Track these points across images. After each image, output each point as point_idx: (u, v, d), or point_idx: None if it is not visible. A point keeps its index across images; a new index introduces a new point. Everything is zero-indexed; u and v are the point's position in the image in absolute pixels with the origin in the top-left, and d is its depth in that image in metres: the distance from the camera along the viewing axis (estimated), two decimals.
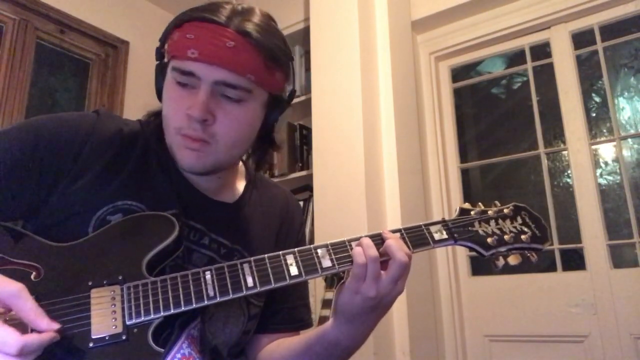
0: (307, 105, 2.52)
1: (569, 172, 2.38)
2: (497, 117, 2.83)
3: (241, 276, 0.84)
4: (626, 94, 2.38)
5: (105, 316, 0.77)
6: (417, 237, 0.92)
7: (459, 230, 0.94)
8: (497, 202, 1.01)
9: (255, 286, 0.83)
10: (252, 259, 0.86)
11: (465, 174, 2.69)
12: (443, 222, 0.95)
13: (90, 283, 0.79)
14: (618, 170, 2.28)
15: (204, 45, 0.84)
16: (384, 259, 0.85)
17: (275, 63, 0.90)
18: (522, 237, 0.95)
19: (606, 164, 2.35)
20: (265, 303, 1.05)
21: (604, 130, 2.35)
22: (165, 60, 0.93)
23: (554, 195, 2.38)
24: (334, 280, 1.71)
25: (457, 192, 2.61)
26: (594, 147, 2.32)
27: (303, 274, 0.85)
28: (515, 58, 2.66)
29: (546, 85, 2.48)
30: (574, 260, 2.28)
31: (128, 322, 0.77)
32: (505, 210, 0.99)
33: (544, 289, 2.27)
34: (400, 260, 0.84)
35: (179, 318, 0.84)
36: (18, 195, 0.85)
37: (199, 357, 0.84)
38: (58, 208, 0.87)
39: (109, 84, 3.02)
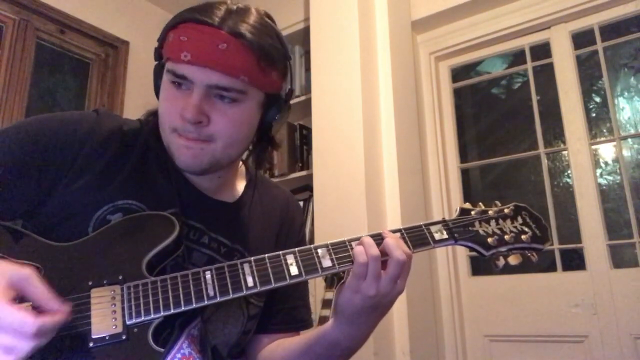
0: (307, 105, 2.52)
1: (569, 172, 2.38)
2: (497, 117, 2.83)
3: (241, 276, 0.84)
4: (626, 94, 2.38)
5: (105, 316, 0.77)
6: (417, 237, 0.92)
7: (459, 230, 0.94)
8: (497, 202, 1.01)
9: (255, 286, 0.83)
10: (252, 258, 0.86)
11: (465, 174, 2.69)
12: (443, 222, 0.95)
13: (90, 283, 0.79)
14: (618, 170, 2.28)
15: (196, 48, 0.84)
16: (384, 259, 0.85)
17: (270, 63, 0.89)
18: (523, 237, 0.95)
19: (606, 164, 2.35)
20: (266, 303, 1.05)
21: (604, 130, 2.35)
22: (162, 61, 0.94)
23: (554, 195, 2.38)
24: (334, 280, 1.71)
25: (457, 192, 2.61)
26: (594, 147, 2.32)
27: (303, 273, 0.85)
28: (515, 58, 2.66)
29: (546, 85, 2.48)
30: (574, 260, 2.28)
31: (128, 322, 0.77)
32: (506, 210, 0.99)
33: (544, 289, 2.27)
34: (398, 258, 0.84)
35: (179, 318, 0.84)
36: (18, 195, 0.86)
37: (199, 357, 0.84)
38: (58, 208, 0.87)
39: (109, 84, 3.02)
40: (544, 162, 2.42)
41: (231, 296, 0.82)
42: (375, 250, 0.85)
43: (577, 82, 2.37)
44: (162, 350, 0.78)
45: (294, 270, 0.85)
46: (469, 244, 0.94)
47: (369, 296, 0.84)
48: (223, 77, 0.85)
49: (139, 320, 0.78)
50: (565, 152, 2.39)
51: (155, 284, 0.80)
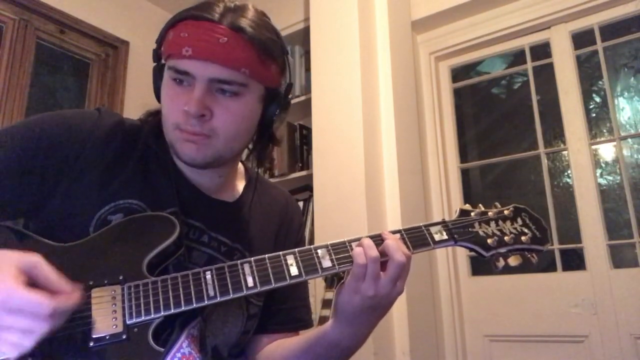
0: (307, 105, 2.52)
1: (569, 172, 2.38)
2: (497, 117, 2.83)
3: (241, 276, 0.84)
4: (626, 94, 2.38)
5: (105, 316, 0.77)
6: (417, 238, 0.92)
7: (459, 231, 0.95)
8: (497, 203, 1.02)
9: (255, 286, 0.83)
10: (252, 259, 0.86)
11: (465, 174, 2.69)
12: (443, 223, 0.95)
13: (91, 282, 0.79)
14: (618, 170, 2.28)
15: (197, 43, 0.85)
16: (384, 260, 0.86)
17: (270, 56, 0.91)
18: (522, 238, 0.95)
19: (606, 164, 2.36)
20: (265, 303, 1.05)
21: (604, 131, 2.35)
22: (162, 61, 0.94)
23: (554, 196, 2.38)
24: (334, 281, 1.71)
25: (457, 192, 2.61)
26: (594, 147, 2.32)
27: (303, 274, 0.86)
28: (515, 58, 2.67)
29: (546, 85, 2.48)
30: (574, 260, 2.28)
31: (128, 322, 0.78)
32: (506, 212, 0.99)
33: (544, 289, 2.27)
34: (398, 260, 0.85)
35: (179, 317, 0.84)
36: (20, 194, 0.86)
37: (199, 357, 0.84)
38: (59, 207, 0.87)
39: (109, 84, 3.02)
40: (544, 162, 2.43)
41: (231, 296, 0.82)
42: (374, 252, 0.85)
43: (577, 82, 2.37)
44: (162, 350, 0.78)
45: (294, 271, 0.86)
46: (469, 245, 0.94)
47: (368, 297, 0.85)
48: (224, 71, 0.86)
49: (139, 320, 0.78)
50: (565, 152, 2.39)
51: (155, 284, 0.81)
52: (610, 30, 2.37)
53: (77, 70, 2.99)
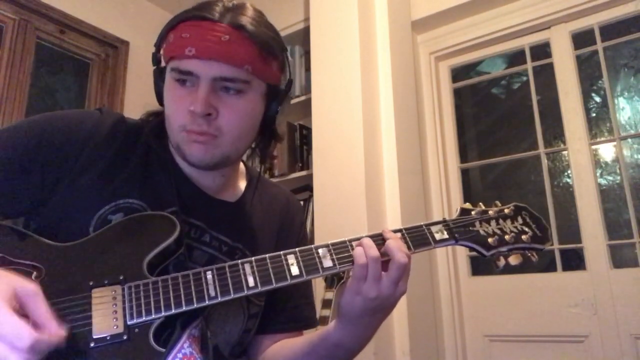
0: (307, 105, 2.52)
1: (569, 172, 2.38)
2: (497, 117, 2.83)
3: (242, 276, 0.84)
4: (626, 94, 2.38)
5: (106, 316, 0.77)
6: (418, 237, 0.92)
7: (459, 230, 0.95)
8: (497, 202, 1.01)
9: (256, 286, 0.83)
10: (253, 258, 0.86)
11: (465, 174, 2.69)
12: (444, 222, 0.95)
13: (91, 283, 0.79)
14: (618, 171, 2.28)
15: (199, 42, 0.85)
16: (385, 259, 0.85)
17: (271, 53, 0.91)
18: (523, 237, 0.95)
19: (606, 164, 2.36)
20: (269, 303, 1.05)
21: (604, 130, 2.35)
22: (163, 63, 0.94)
23: (554, 195, 2.38)
24: (334, 281, 1.71)
25: (457, 192, 2.61)
26: (594, 147, 2.32)
27: (304, 273, 0.85)
28: (515, 58, 2.66)
29: (546, 85, 2.48)
30: (574, 260, 2.28)
31: (129, 322, 0.77)
32: (506, 210, 0.99)
33: (544, 289, 2.27)
34: (399, 261, 0.84)
35: (180, 318, 0.84)
36: (21, 193, 0.86)
37: (200, 357, 0.84)
38: (60, 206, 0.87)
39: (109, 84, 3.02)
40: (544, 162, 2.43)
41: (232, 296, 0.82)
42: (374, 252, 0.85)
43: (577, 82, 2.37)
44: (163, 350, 0.78)
45: (294, 271, 0.85)
46: (470, 244, 0.94)
47: (370, 298, 0.85)
48: (228, 68, 0.86)
49: (140, 320, 0.78)
50: (565, 152, 2.39)
51: (156, 284, 0.81)
52: (610, 30, 2.37)
53: (77, 70, 2.99)
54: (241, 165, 1.11)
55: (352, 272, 0.86)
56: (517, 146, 2.60)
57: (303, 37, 2.80)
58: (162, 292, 0.80)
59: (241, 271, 0.84)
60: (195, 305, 0.80)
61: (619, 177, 2.27)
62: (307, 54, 2.75)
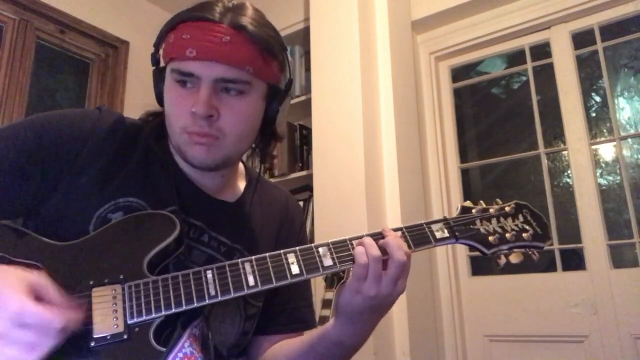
0: (307, 105, 2.52)
1: (569, 172, 2.38)
2: (497, 117, 2.83)
3: (242, 275, 0.84)
4: (626, 94, 2.38)
5: (106, 315, 0.77)
6: (418, 236, 0.92)
7: (460, 228, 0.94)
8: (498, 200, 1.01)
9: (256, 285, 0.83)
10: (253, 257, 0.86)
11: (465, 174, 2.69)
12: (444, 221, 0.95)
13: (91, 282, 0.79)
14: (618, 170, 2.28)
15: (200, 43, 0.85)
16: (384, 258, 0.85)
17: (271, 53, 0.91)
18: (524, 235, 0.95)
19: (606, 164, 2.36)
20: (268, 304, 1.05)
21: (604, 130, 2.35)
22: (163, 64, 0.94)
23: (554, 195, 2.38)
24: (334, 280, 1.71)
25: (457, 192, 2.61)
26: (594, 147, 2.32)
27: (304, 272, 0.85)
28: (515, 58, 2.66)
29: (546, 85, 2.48)
30: (574, 260, 2.28)
31: (129, 321, 0.77)
32: (507, 209, 0.99)
33: (543, 289, 2.27)
34: (399, 259, 0.84)
35: (180, 317, 0.84)
36: (20, 192, 0.86)
37: (201, 356, 0.84)
38: (59, 206, 0.87)
39: (109, 84, 3.02)
40: (544, 162, 2.42)
41: (232, 295, 0.82)
42: (376, 251, 0.85)
43: (577, 82, 2.37)
44: (164, 349, 0.78)
45: (295, 269, 0.85)
46: (470, 243, 0.94)
47: (370, 297, 0.85)
48: (229, 70, 0.86)
49: (140, 319, 0.78)
50: (565, 152, 2.39)
51: (156, 283, 0.80)
52: (610, 30, 2.37)
53: (77, 70, 2.99)
54: (240, 165, 1.10)
55: (352, 271, 0.86)
56: (517, 146, 2.60)
57: (303, 37, 2.80)
58: (162, 291, 0.80)
59: (241, 270, 0.84)
60: (195, 304, 0.80)
61: (619, 177, 2.27)
62: (307, 54, 2.75)
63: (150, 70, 0.97)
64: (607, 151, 2.35)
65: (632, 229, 2.15)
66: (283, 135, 1.09)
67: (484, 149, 2.75)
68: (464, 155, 2.69)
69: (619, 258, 2.18)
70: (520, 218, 0.98)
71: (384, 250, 0.86)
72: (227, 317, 0.96)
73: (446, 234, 0.93)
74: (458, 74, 2.81)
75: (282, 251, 0.87)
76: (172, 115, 0.91)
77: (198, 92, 0.87)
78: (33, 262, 0.78)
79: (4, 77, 2.56)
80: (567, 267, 2.28)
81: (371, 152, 2.24)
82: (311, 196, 2.48)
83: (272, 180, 2.61)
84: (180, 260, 0.89)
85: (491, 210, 0.98)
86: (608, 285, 2.12)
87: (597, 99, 2.44)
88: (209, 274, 0.83)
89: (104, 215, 0.87)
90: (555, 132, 2.44)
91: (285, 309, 1.09)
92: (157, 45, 0.95)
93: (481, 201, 1.00)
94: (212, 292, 0.81)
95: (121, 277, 0.80)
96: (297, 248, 0.87)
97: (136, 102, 3.01)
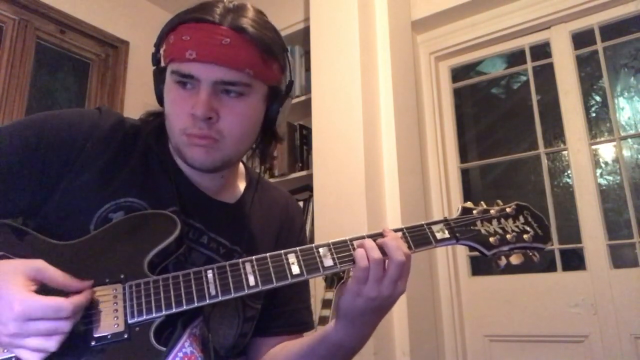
0: (307, 105, 2.52)
1: (569, 172, 2.38)
2: (497, 117, 2.83)
3: (243, 275, 0.84)
4: (626, 94, 2.38)
5: (107, 314, 0.77)
6: (419, 237, 0.92)
7: (461, 229, 0.94)
8: (499, 201, 1.01)
9: (257, 285, 0.83)
10: (253, 257, 0.86)
11: (465, 174, 2.69)
12: (445, 221, 0.95)
13: (92, 282, 0.79)
14: (618, 170, 2.28)
15: (200, 45, 0.85)
16: (384, 258, 0.85)
17: (272, 55, 0.91)
18: (525, 236, 0.95)
19: (606, 164, 2.36)
20: (267, 306, 1.05)
21: (604, 131, 2.35)
22: (163, 64, 0.94)
23: (554, 195, 2.38)
24: (334, 281, 1.71)
25: (457, 192, 2.61)
26: (594, 147, 2.32)
27: (305, 272, 0.85)
28: (515, 58, 2.67)
29: (546, 85, 2.49)
30: (574, 260, 2.28)
31: (130, 321, 0.77)
32: (508, 210, 0.99)
33: (544, 289, 2.27)
34: (398, 260, 0.84)
35: (181, 317, 0.84)
36: (20, 192, 0.86)
37: (201, 356, 0.84)
38: (60, 205, 0.87)
39: (109, 84, 3.02)
40: (544, 162, 2.43)
41: (233, 295, 0.82)
42: (377, 253, 0.84)
43: (577, 82, 2.37)
44: (164, 349, 0.78)
45: (295, 270, 0.85)
46: (471, 244, 0.94)
47: (371, 298, 0.85)
48: (229, 72, 0.86)
49: (140, 319, 0.78)
50: (565, 152, 2.39)
51: (157, 283, 0.81)
52: (610, 30, 2.37)
53: (77, 70, 2.99)
54: (241, 166, 1.10)
55: (352, 274, 0.86)
56: (517, 146, 2.60)
57: (303, 37, 2.80)
58: (162, 290, 0.80)
59: (242, 270, 0.84)
60: (195, 304, 0.80)
61: (619, 177, 2.27)
62: (307, 54, 2.75)
63: (150, 70, 0.97)
64: (607, 151, 2.35)
65: (632, 229, 2.15)
66: (283, 136, 1.08)
67: (484, 149, 2.75)
68: (464, 155, 2.69)
69: (619, 258, 2.18)
70: (521, 219, 0.98)
71: (383, 251, 0.86)
72: (225, 319, 0.96)
73: (447, 235, 0.93)
74: (458, 74, 2.81)
75: (282, 251, 0.87)
76: (171, 116, 0.91)
77: (198, 93, 0.86)
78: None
79: (4, 77, 2.56)
80: (567, 267, 2.28)
81: (371, 152, 2.24)
82: (311, 196, 2.48)
83: (272, 180, 2.61)
84: (179, 261, 0.89)
85: (492, 212, 0.98)
86: (608, 285, 2.12)
87: (597, 99, 2.44)
88: (210, 274, 0.83)
89: (104, 215, 0.87)
90: (555, 132, 2.44)
91: (284, 311, 1.09)
92: (157, 46, 0.95)
93: (482, 202, 1.00)
94: (213, 292, 0.81)
95: (122, 276, 0.80)
96: (297, 248, 0.87)
97: (136, 102, 3.01)
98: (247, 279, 0.83)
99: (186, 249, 0.92)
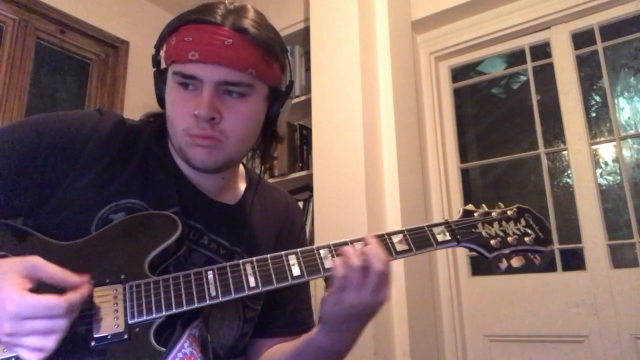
0: (307, 105, 2.52)
1: (569, 172, 2.38)
2: (497, 117, 2.83)
3: (243, 276, 0.84)
4: (626, 94, 2.38)
5: (107, 315, 0.77)
6: (420, 239, 0.92)
7: (462, 231, 0.94)
8: (500, 203, 1.01)
9: (257, 286, 0.83)
10: (254, 259, 0.86)
11: (465, 174, 2.69)
12: (446, 224, 0.94)
13: (92, 282, 0.79)
14: (618, 171, 2.28)
15: (203, 46, 0.85)
16: (364, 266, 0.83)
17: (273, 55, 0.92)
18: (526, 239, 0.95)
19: (606, 164, 2.36)
20: (267, 307, 1.05)
21: (604, 130, 2.35)
22: (164, 66, 0.94)
23: (554, 195, 2.38)
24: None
25: (457, 192, 2.61)
26: (594, 147, 2.32)
27: (305, 274, 0.85)
28: (515, 58, 2.66)
29: (546, 85, 2.48)
30: (574, 260, 2.28)
31: (130, 321, 0.78)
32: (509, 212, 0.99)
33: (544, 289, 2.27)
34: (377, 269, 0.82)
35: (180, 317, 0.84)
36: (21, 193, 0.86)
37: (200, 357, 0.84)
38: (60, 206, 0.87)
39: (109, 84, 3.02)
40: (544, 162, 2.43)
41: (233, 296, 0.82)
42: (355, 262, 0.82)
43: (577, 82, 2.37)
44: (164, 349, 0.78)
45: (296, 271, 0.85)
46: (472, 246, 0.93)
47: (352, 306, 0.83)
48: (231, 72, 0.87)
49: (140, 319, 0.78)
50: (565, 152, 2.39)
51: (157, 284, 0.81)
52: (610, 30, 2.37)
53: (77, 70, 2.99)
54: (241, 167, 1.11)
55: (333, 283, 0.84)
56: (517, 146, 2.60)
57: (303, 37, 2.80)
58: (163, 291, 0.80)
59: (242, 271, 0.84)
60: (196, 305, 0.80)
61: (619, 177, 2.27)
62: (307, 54, 2.75)
63: (150, 71, 0.97)
64: (607, 151, 2.35)
65: (632, 229, 2.15)
66: (284, 136, 1.09)
67: (484, 149, 2.75)
68: (464, 155, 2.69)
69: (619, 258, 2.18)
70: (522, 222, 0.98)
71: (363, 259, 0.83)
72: (225, 319, 0.96)
73: (448, 237, 0.93)
74: (458, 74, 2.81)
75: (283, 252, 0.87)
76: (174, 117, 0.91)
77: (200, 94, 0.87)
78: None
79: (4, 77, 2.56)
80: (567, 267, 2.28)
81: (371, 152, 2.24)
82: (311, 196, 2.48)
83: (272, 180, 2.61)
84: (180, 262, 0.89)
85: (493, 214, 0.98)
86: (608, 285, 2.12)
87: (597, 99, 2.44)
88: (210, 275, 0.83)
89: (105, 215, 0.87)
90: (555, 132, 2.44)
91: (284, 312, 1.09)
92: (158, 47, 0.95)
93: (483, 205, 1.00)
94: (213, 293, 0.82)
95: (122, 277, 0.81)
96: (298, 249, 0.87)
97: (136, 102, 3.00)
98: (247, 280, 0.83)
99: (187, 249, 0.92)
